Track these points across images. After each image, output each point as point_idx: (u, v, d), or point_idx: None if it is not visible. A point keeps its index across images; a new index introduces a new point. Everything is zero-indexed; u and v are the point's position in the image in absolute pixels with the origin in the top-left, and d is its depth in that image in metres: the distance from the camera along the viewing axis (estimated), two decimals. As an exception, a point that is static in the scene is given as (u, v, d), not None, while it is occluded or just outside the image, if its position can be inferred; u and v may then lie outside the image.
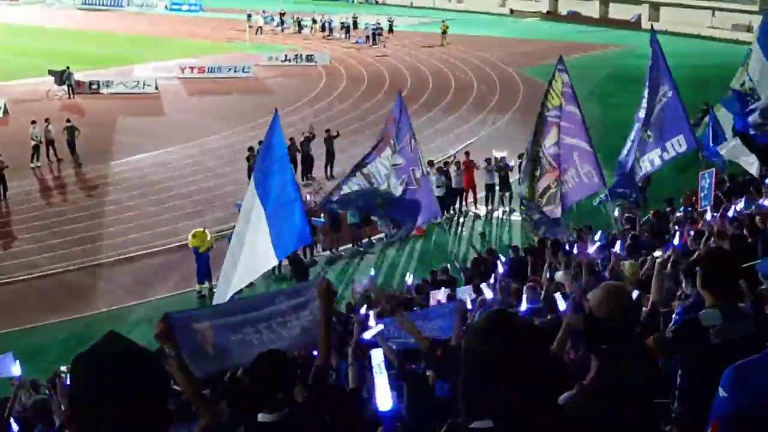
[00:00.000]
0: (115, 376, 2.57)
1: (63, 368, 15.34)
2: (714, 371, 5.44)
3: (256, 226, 14.67)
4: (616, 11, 77.86)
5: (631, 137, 19.73)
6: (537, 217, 19.54)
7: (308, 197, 25.75)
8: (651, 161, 18.53)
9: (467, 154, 31.23)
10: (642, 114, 19.03)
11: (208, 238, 23.78)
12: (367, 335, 9.81)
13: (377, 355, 5.26)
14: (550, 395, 2.95)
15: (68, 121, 35.86)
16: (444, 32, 66.12)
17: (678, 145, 18.17)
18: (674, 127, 18.26)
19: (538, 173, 18.73)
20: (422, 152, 19.47)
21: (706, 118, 27.53)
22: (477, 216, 29.80)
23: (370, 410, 6.49)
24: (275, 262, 16.09)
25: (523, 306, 12.96)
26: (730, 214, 15.99)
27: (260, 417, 5.27)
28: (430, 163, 28.10)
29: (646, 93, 19.02)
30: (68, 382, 2.39)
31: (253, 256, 14.68)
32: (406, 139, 18.62)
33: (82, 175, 34.09)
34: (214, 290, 23.46)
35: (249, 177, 30.27)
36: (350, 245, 27.18)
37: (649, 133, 18.48)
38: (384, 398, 5.05)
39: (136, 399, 2.57)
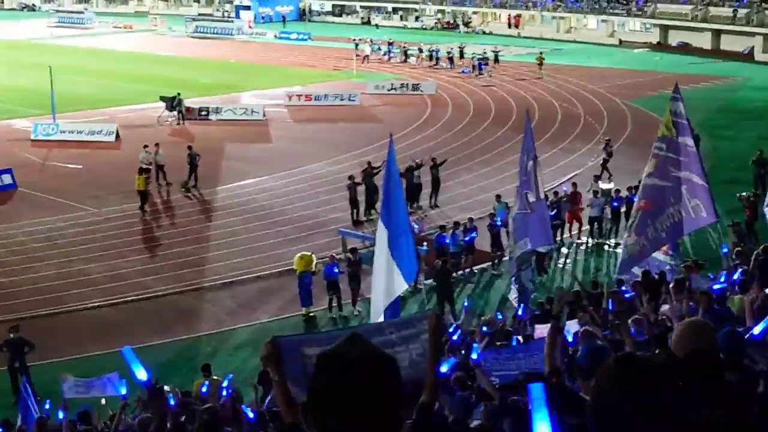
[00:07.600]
0: (357, 379, 2.65)
1: (166, 388, 15.56)
2: None
3: (384, 249, 14.83)
4: (727, 43, 76.11)
5: None
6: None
7: (415, 226, 25.64)
8: None
9: (574, 185, 30.79)
10: None
11: (314, 263, 23.95)
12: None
13: (537, 390, 5.16)
14: None
15: (189, 147, 36.44)
16: (540, 64, 64.67)
17: None
18: None
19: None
20: (541, 176, 19.28)
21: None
22: (579, 247, 29.34)
23: None
24: (405, 287, 16.05)
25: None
26: None
27: None
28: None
29: None
30: (313, 376, 2.47)
31: (388, 279, 14.79)
32: (523, 161, 18.59)
33: (190, 200, 34.82)
34: (312, 314, 23.76)
35: (350, 204, 30.66)
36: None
37: None
38: None
39: (373, 402, 2.64)
